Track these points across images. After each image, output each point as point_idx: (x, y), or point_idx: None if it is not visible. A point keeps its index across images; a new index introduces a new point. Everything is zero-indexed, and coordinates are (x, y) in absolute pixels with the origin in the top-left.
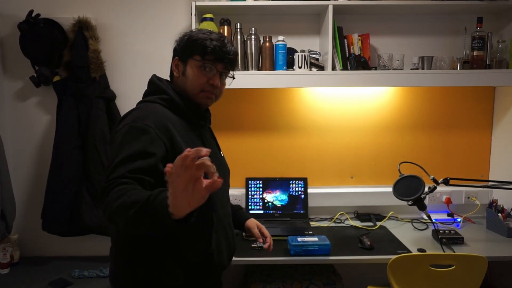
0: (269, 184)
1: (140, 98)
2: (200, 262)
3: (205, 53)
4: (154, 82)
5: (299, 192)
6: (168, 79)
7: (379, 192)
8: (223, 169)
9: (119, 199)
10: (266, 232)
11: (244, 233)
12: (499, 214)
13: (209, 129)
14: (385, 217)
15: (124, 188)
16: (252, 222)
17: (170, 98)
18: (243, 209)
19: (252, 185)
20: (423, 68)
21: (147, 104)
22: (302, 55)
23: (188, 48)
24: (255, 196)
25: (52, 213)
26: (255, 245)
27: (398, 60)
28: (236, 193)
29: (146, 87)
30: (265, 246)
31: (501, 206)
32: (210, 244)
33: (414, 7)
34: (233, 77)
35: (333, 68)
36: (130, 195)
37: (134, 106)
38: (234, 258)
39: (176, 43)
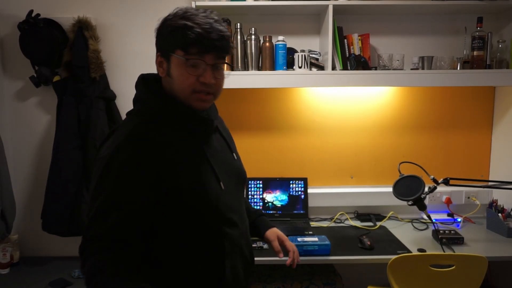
0: (269, 184)
1: None
2: None
3: (187, 45)
4: (138, 87)
5: (299, 192)
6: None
7: (379, 192)
8: (236, 176)
9: (92, 280)
10: (289, 245)
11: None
12: (499, 214)
13: (216, 129)
14: (385, 217)
15: (100, 265)
16: (273, 234)
17: (155, 111)
18: (265, 215)
19: (252, 185)
20: (423, 68)
21: (132, 120)
22: (302, 55)
23: (167, 41)
24: (255, 196)
25: (52, 213)
26: (255, 245)
27: (398, 60)
28: None
29: None
30: (287, 262)
31: (501, 206)
32: (224, 274)
33: (414, 7)
34: (230, 64)
35: (333, 68)
36: (104, 281)
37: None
38: None
39: (155, 33)
